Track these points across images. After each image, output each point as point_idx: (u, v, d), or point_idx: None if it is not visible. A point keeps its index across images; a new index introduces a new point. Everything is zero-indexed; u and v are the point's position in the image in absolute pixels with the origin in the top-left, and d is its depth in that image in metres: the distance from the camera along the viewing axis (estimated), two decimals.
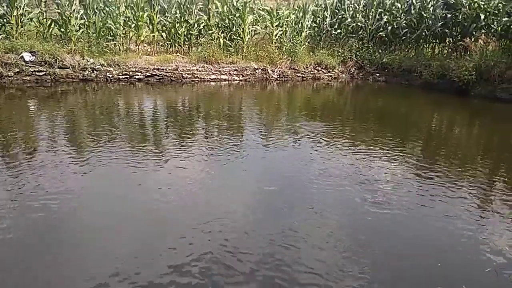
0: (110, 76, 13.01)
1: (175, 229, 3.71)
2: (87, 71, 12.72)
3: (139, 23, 14.76)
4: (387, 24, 17.12)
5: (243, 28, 15.65)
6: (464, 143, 7.80)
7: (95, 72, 12.84)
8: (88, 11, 13.83)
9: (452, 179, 5.14)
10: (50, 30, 14.19)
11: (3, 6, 12.86)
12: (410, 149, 6.71)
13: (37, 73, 12.01)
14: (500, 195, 4.70)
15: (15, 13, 12.90)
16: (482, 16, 13.50)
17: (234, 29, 15.94)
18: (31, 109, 9.32)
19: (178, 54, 15.37)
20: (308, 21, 17.39)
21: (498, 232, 3.79)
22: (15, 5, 12.84)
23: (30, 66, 11.94)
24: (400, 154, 6.20)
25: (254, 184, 4.95)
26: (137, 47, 15.43)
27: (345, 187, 4.78)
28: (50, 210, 3.93)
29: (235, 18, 15.84)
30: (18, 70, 11.74)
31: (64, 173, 4.89)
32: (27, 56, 11.92)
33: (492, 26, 13.30)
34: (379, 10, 17.47)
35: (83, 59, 12.86)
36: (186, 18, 15.76)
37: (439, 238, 3.70)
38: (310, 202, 4.34)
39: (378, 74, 16.68)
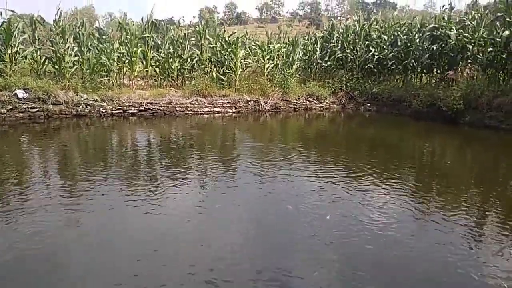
0: (104, 111, 13.06)
1: (164, 270, 3.62)
2: (80, 107, 12.77)
3: (133, 58, 14.99)
4: (375, 56, 17.60)
5: (235, 62, 15.97)
6: (456, 171, 7.85)
7: (88, 107, 12.89)
8: (82, 48, 14.05)
9: (445, 208, 5.13)
10: (44, 67, 14.33)
11: None
12: (403, 179, 6.70)
13: (30, 110, 12.02)
14: (494, 224, 4.68)
15: (9, 51, 13.06)
16: (469, 47, 13.96)
17: (226, 63, 16.26)
18: (23, 146, 9.25)
19: (171, 88, 15.56)
20: (299, 54, 17.86)
21: (493, 265, 3.73)
22: (10, 43, 13.02)
23: (24, 103, 11.96)
24: (394, 183, 6.21)
25: (248, 222, 4.86)
26: (131, 82, 15.60)
27: (339, 219, 4.74)
28: (39, 248, 3.83)
29: (227, 52, 16.20)
30: (11, 107, 11.75)
31: (56, 209, 4.80)
32: (20, 93, 11.96)
33: (478, 56, 13.73)
34: (367, 42, 18.02)
35: (77, 95, 12.94)
36: (179, 53, 16.08)
37: (432, 271, 3.65)
38: (306, 237, 4.29)
39: (368, 104, 16.99)
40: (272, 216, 5.00)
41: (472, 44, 13.99)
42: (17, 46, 13.39)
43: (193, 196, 5.61)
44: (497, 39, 12.87)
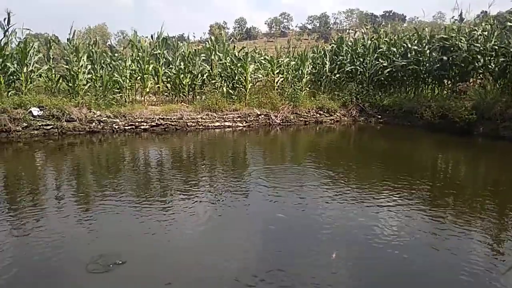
0: (116, 127, 13.24)
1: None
2: (93, 123, 12.97)
3: (144, 75, 15.23)
4: (385, 68, 17.57)
5: (245, 77, 16.10)
6: (471, 184, 7.72)
7: (101, 124, 13.09)
8: (96, 66, 14.35)
9: (462, 224, 5.03)
10: (58, 85, 14.64)
11: (13, 64, 13.37)
12: (418, 194, 6.60)
13: (44, 127, 12.24)
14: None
15: (25, 70, 13.38)
16: (479, 57, 13.86)
17: (236, 77, 16.41)
18: (37, 163, 9.39)
19: (182, 103, 15.73)
20: (308, 67, 17.94)
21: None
22: (25, 62, 13.35)
23: (38, 120, 12.19)
24: (408, 199, 6.13)
25: (258, 242, 4.83)
26: (143, 98, 15.82)
27: (352, 233, 4.69)
28: (52, 263, 3.87)
29: (237, 67, 16.35)
30: (26, 124, 11.98)
31: (69, 224, 4.85)
32: (35, 111, 12.20)
33: (490, 66, 13.60)
34: (376, 55, 18.02)
35: (90, 111, 13.16)
36: (190, 69, 16.29)
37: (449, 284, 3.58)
38: (318, 252, 4.25)
39: (379, 116, 16.90)
40: (283, 235, 4.97)
41: (483, 55, 13.89)
42: (32, 65, 13.72)
43: (203, 210, 5.60)
44: (510, 49, 12.76)
